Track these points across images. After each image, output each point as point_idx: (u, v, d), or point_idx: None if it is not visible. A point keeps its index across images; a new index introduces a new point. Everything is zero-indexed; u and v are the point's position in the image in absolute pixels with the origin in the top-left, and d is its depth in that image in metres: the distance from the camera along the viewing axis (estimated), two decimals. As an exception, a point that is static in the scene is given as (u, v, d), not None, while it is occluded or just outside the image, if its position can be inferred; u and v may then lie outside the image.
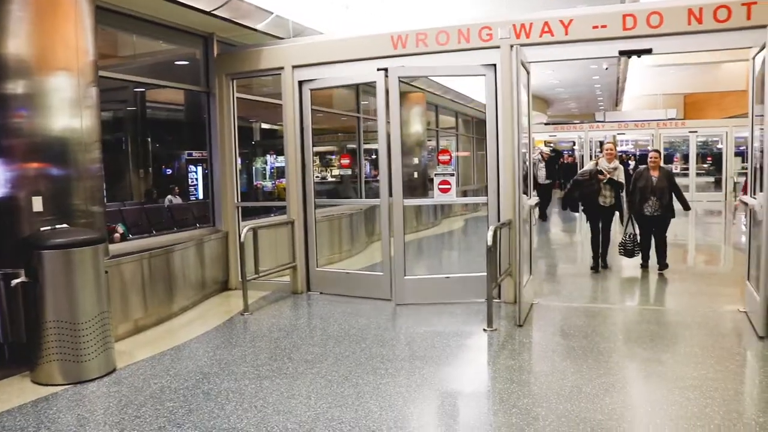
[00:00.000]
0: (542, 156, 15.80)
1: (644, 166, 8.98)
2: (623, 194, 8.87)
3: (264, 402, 4.37)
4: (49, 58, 5.48)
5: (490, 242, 6.02)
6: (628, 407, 4.26)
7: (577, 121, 29.26)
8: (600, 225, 8.91)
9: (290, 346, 5.71)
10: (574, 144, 25.06)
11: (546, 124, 28.69)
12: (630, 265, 9.16)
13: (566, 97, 30.82)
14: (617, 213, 8.94)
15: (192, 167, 15.08)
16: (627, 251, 8.84)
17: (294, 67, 7.67)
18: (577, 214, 9.86)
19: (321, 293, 7.84)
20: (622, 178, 8.74)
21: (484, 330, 6.02)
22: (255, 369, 5.08)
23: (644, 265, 8.98)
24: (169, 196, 13.37)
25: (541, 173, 15.64)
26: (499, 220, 6.84)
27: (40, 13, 5.43)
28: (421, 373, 4.90)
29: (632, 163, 23.26)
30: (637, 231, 8.79)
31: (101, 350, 4.95)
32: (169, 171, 15.56)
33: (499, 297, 7.09)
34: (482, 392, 4.68)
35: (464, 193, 16.80)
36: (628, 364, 5.15)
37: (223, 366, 5.18)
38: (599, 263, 9.00)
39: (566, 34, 6.48)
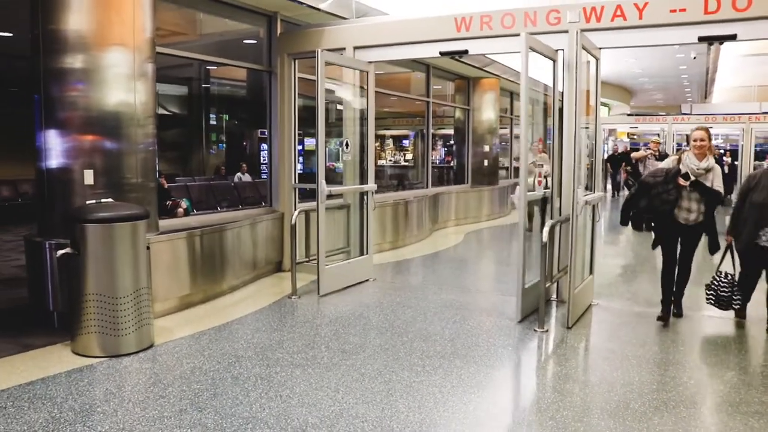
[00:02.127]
0: (653, 150, 13.22)
1: (762, 166, 5.97)
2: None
3: (290, 392, 4.25)
4: (107, 33, 5.53)
5: (545, 239, 5.72)
6: (677, 431, 3.91)
7: (662, 113, 27.95)
8: (678, 253, 6.06)
9: (330, 334, 5.60)
10: (658, 136, 23.98)
11: (628, 115, 27.55)
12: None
13: (651, 88, 29.49)
14: (706, 236, 6.01)
15: (264, 145, 15.19)
16: (721, 300, 5.98)
17: (356, 48, 7.50)
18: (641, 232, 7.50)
19: (374, 280, 7.70)
20: (719, 185, 5.85)
21: (535, 330, 5.73)
22: (289, 356, 4.98)
23: (740, 313, 6.19)
24: (238, 173, 13.52)
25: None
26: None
27: (100, -11, 5.47)
28: (459, 373, 4.67)
29: (727, 160, 21.04)
30: (737, 268, 6.03)
31: (139, 325, 4.96)
32: (241, 148, 15.73)
33: (557, 295, 6.78)
34: (519, 400, 4.44)
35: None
36: (686, 379, 4.65)
37: (259, 350, 5.10)
38: (671, 310, 6.14)
39: (640, 18, 6.02)
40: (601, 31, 6.20)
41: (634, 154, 13.93)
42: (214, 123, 15.59)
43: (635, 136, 30.52)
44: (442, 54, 7.13)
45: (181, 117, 15.32)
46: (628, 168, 14.95)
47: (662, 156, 12.40)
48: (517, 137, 18.80)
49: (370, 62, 7.60)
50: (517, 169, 17.83)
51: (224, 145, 16.08)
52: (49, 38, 5.51)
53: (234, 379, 4.45)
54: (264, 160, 15.37)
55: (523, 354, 5.33)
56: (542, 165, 8.01)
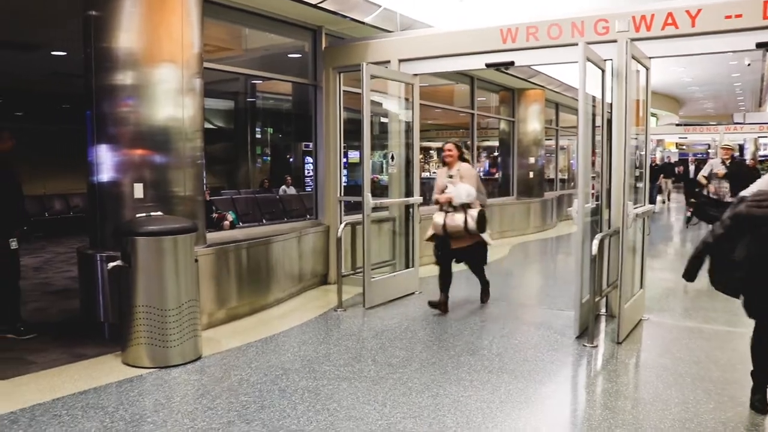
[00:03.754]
0: (724, 158, 11.36)
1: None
2: None
3: (338, 405, 4.24)
4: (156, 50, 5.64)
5: (594, 251, 5.61)
6: (736, 448, 3.76)
7: (713, 123, 27.27)
8: None
9: (376, 347, 5.57)
10: (709, 147, 23.40)
11: (677, 125, 26.97)
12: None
13: (701, 97, 28.81)
14: None
15: (308, 158, 15.33)
16: None
17: (401, 60, 7.52)
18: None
19: (420, 293, 7.66)
20: None
21: (584, 345, 5.61)
22: (336, 369, 4.96)
23: None
24: (283, 186, 13.65)
25: (724, 187, 11.18)
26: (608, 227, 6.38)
27: (150, 8, 5.60)
28: (508, 388, 4.59)
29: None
30: None
31: (187, 337, 5.01)
32: (286, 161, 15.89)
33: (607, 309, 6.63)
34: (570, 416, 4.32)
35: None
36: (744, 400, 4.39)
37: (306, 363, 5.10)
38: (765, 400, 4.19)
39: (693, 25, 5.88)
40: (651, 40, 6.08)
41: (700, 177, 11.86)
42: (259, 136, 15.78)
43: (684, 147, 29.91)
44: (488, 66, 7.09)
45: (226, 131, 15.57)
46: (696, 190, 12.52)
47: (737, 169, 10.83)
48: (563, 149, 18.63)
49: (415, 75, 7.60)
50: (563, 181, 17.64)
51: (269, 158, 16.27)
52: (101, 56, 5.65)
53: (281, 392, 4.45)
54: (308, 172, 15.54)
55: (573, 369, 5.21)
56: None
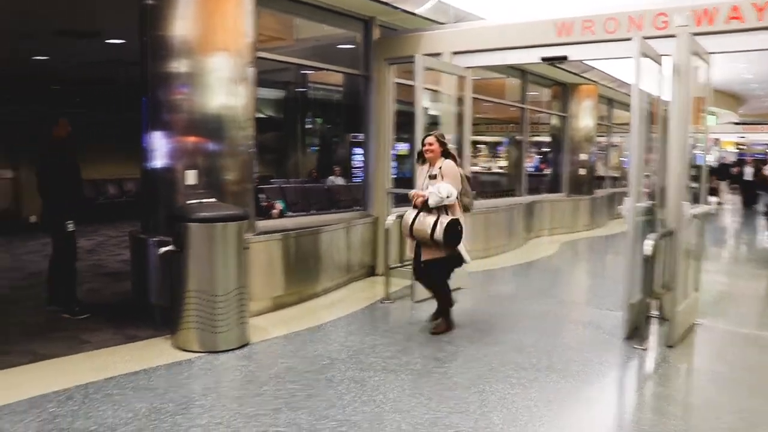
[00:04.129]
0: None
1: None
2: None
3: (384, 397, 4.23)
4: (210, 39, 5.70)
5: (648, 252, 5.47)
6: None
7: (774, 122, 26.34)
8: None
9: (423, 341, 5.55)
10: (769, 147, 22.66)
11: (736, 123, 26.15)
12: None
13: (762, 94, 27.80)
14: None
15: (356, 149, 15.32)
16: None
17: (453, 53, 7.45)
18: None
19: (467, 288, 7.58)
20: None
21: (635, 348, 5.48)
22: (383, 361, 4.96)
23: None
24: (332, 177, 13.68)
25: None
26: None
27: (205, -3, 5.65)
28: (556, 387, 4.52)
29: None
30: None
31: (235, 323, 5.07)
32: (334, 151, 15.91)
33: (660, 312, 6.47)
34: (619, 420, 4.24)
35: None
36: None
37: (352, 353, 5.11)
38: None
39: (760, 19, 5.65)
40: (712, 35, 5.88)
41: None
42: (308, 126, 15.84)
43: (743, 146, 29.00)
44: (544, 60, 6.99)
45: (276, 120, 15.68)
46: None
47: None
48: (615, 146, 18.26)
49: (468, 67, 7.52)
50: (614, 179, 17.29)
51: (316, 148, 16.32)
52: (157, 44, 5.74)
53: (328, 382, 4.47)
54: (356, 163, 15.56)
55: (623, 372, 5.11)
56: None
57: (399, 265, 7.30)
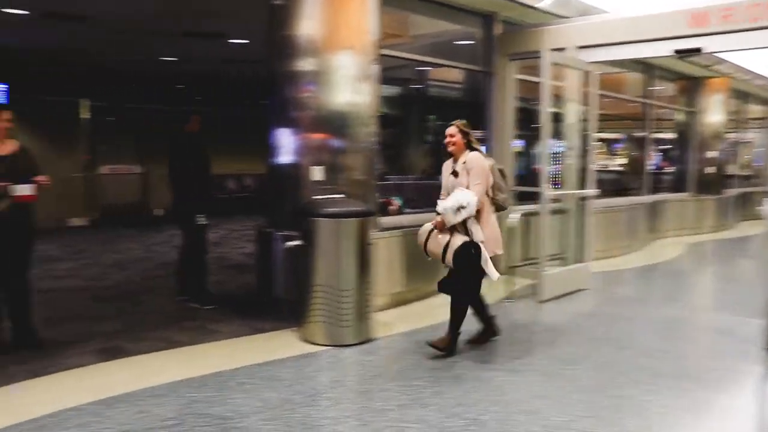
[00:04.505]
0: None
1: None
2: None
3: (511, 398, 4.13)
4: (335, 37, 5.76)
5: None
6: None
7: None
8: None
9: (548, 342, 5.40)
10: None
11: None
12: None
13: None
14: None
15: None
16: None
17: (578, 48, 7.20)
18: None
19: (590, 290, 7.33)
20: None
21: (777, 356, 5.10)
22: (507, 361, 4.85)
23: None
24: (446, 175, 13.61)
25: None
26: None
27: (330, -3, 5.72)
28: (693, 396, 4.26)
29: None
30: None
31: (361, 318, 5.11)
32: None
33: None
34: None
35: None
36: None
37: (478, 353, 5.03)
38: None
39: None
40: None
41: None
42: (424, 123, 15.84)
43: None
44: (677, 53, 6.64)
45: (392, 117, 15.78)
46: None
47: None
48: (747, 143, 17.17)
49: (594, 62, 7.26)
50: (745, 177, 16.26)
51: (430, 145, 16.31)
52: (284, 43, 5.86)
53: (455, 379, 4.42)
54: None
55: (765, 383, 4.75)
56: None
57: (519, 264, 7.14)
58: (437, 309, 6.35)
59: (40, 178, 4.93)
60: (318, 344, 5.06)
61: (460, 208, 4.67)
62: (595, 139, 7.68)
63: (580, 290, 7.22)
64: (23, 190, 4.77)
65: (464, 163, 4.91)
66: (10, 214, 4.74)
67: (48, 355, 4.82)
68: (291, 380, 4.36)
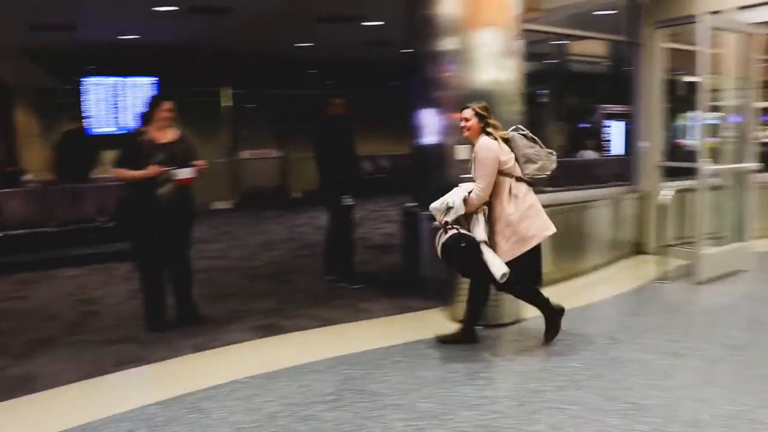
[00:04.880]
0: None
1: None
2: None
3: (675, 383, 3.96)
4: (477, 14, 5.65)
5: None
6: None
7: None
8: None
9: (708, 325, 5.13)
10: None
11: None
12: None
13: None
14: None
15: (608, 122, 14.61)
16: None
17: (739, 8, 6.70)
18: None
19: (751, 271, 6.85)
20: None
21: None
22: (666, 344, 4.65)
23: None
24: (584, 151, 13.22)
25: None
26: None
27: (470, -28, 5.64)
28: None
29: None
30: None
31: (512, 298, 5.03)
32: (583, 125, 15.35)
33: None
34: None
35: None
36: None
37: (631, 335, 4.86)
38: None
39: None
40: None
41: None
42: (560, 100, 15.41)
43: None
44: None
45: (528, 94, 15.48)
46: None
47: None
48: None
49: (755, 24, 6.74)
50: None
51: (565, 121, 15.86)
52: (424, 23, 5.84)
53: (611, 362, 4.29)
54: (608, 137, 14.83)
55: None
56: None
57: (675, 243, 6.79)
58: (584, 290, 6.24)
59: (198, 162, 5.24)
60: (467, 323, 5.08)
61: (448, 208, 4.39)
62: (756, 109, 7.13)
63: (739, 271, 6.77)
64: (183, 174, 5.10)
65: (476, 151, 4.53)
66: (173, 197, 5.07)
67: (209, 330, 5.16)
68: (445, 359, 4.41)
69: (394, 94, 15.53)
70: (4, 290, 6.90)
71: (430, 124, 5.93)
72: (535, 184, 4.62)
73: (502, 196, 4.41)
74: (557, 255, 6.41)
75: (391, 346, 4.68)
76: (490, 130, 4.54)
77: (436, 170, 5.86)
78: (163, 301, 5.30)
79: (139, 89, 12.70)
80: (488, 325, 4.99)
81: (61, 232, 8.16)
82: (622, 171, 8.19)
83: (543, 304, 4.65)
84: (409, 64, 6.30)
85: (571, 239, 6.60)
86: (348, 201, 6.38)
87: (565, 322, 4.92)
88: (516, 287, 4.50)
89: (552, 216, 6.24)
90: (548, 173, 4.58)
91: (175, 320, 5.35)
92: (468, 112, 4.62)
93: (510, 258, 4.37)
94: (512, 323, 5.10)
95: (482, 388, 3.94)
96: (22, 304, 6.33)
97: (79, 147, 9.17)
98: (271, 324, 5.32)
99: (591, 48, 12.71)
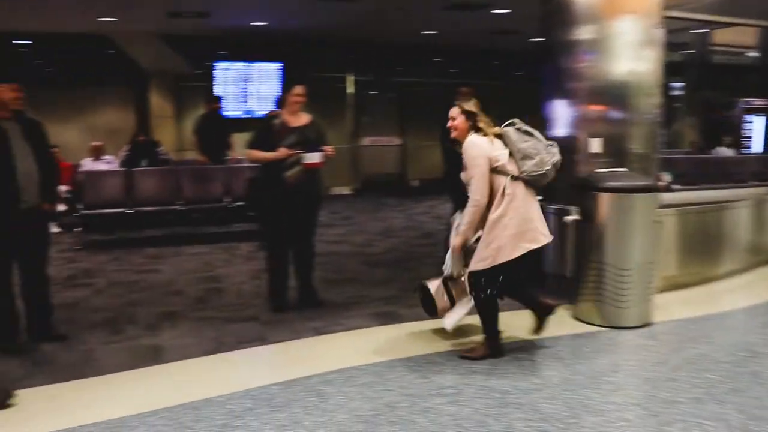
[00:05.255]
0: None
1: None
2: None
3: (828, 404, 3.63)
4: (617, 1, 5.42)
5: None
6: None
7: None
8: None
9: None
10: None
11: None
12: None
13: None
14: None
15: (749, 117, 13.62)
16: None
17: None
18: None
19: None
20: None
21: None
22: (817, 361, 4.27)
23: None
24: (720, 147, 12.45)
25: None
26: None
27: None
28: None
29: None
30: None
31: (640, 300, 4.82)
32: (720, 119, 14.42)
33: None
34: None
35: None
36: None
37: (772, 349, 4.51)
38: None
39: None
40: None
41: None
42: (696, 93, 14.57)
43: None
44: None
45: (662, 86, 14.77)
46: None
47: None
48: None
49: None
50: None
51: (700, 116, 14.99)
52: (560, 11, 5.66)
53: (754, 376, 3.98)
54: (748, 133, 13.84)
55: None
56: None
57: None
58: (720, 296, 5.88)
59: (327, 148, 5.30)
60: (593, 324, 4.88)
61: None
62: None
63: None
64: (312, 158, 5.17)
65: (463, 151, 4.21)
66: (301, 180, 5.15)
67: (329, 314, 5.24)
68: (569, 359, 4.25)
69: (519, 84, 15.34)
70: (137, 263, 7.32)
71: (561, 116, 5.73)
72: (538, 185, 4.19)
73: (494, 196, 4.07)
74: (687, 257, 6.06)
75: (512, 341, 4.56)
76: (481, 125, 4.19)
77: (566, 163, 5.65)
78: (287, 282, 5.42)
79: (266, 74, 13.07)
80: (614, 327, 4.78)
81: (189, 210, 8.56)
82: (763, 170, 7.63)
83: (492, 333, 4.27)
84: (540, 54, 6.12)
85: (704, 241, 6.20)
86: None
87: (698, 330, 4.64)
88: (482, 296, 4.16)
89: (683, 216, 5.94)
90: (549, 168, 4.12)
91: (296, 302, 5.47)
92: (455, 110, 4.28)
93: (486, 267, 4.05)
94: (641, 326, 4.85)
95: (609, 393, 3.76)
96: (152, 277, 6.68)
97: (215, 129, 9.61)
98: (390, 312, 5.33)
99: (733, 37, 11.93)
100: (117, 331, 4.96)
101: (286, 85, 5.31)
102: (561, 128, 5.70)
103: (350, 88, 14.73)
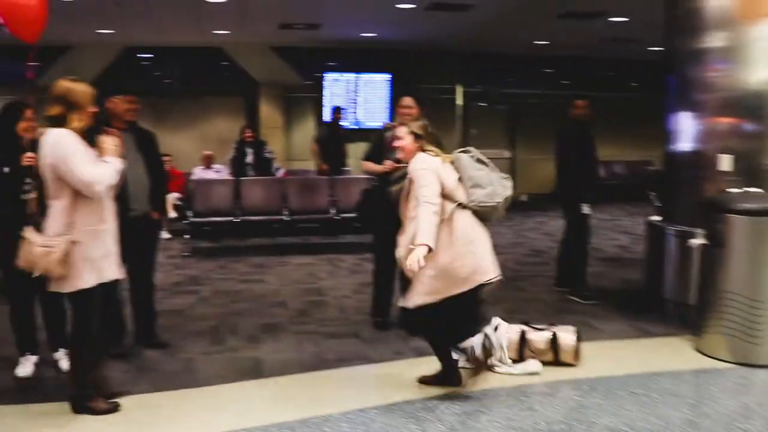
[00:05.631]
0: None
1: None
2: None
3: None
4: (753, 4, 4.97)
5: None
6: None
7: None
8: None
9: None
10: None
11: None
12: None
13: None
14: None
15: None
16: None
17: None
18: None
19: None
20: None
21: None
22: None
23: None
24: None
25: None
26: None
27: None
28: None
29: None
30: None
31: (771, 336, 4.32)
32: None
33: None
34: None
35: None
36: None
37: None
38: None
39: None
40: None
41: None
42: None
43: None
44: None
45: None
46: None
47: None
48: None
49: None
50: None
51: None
52: (688, 17, 5.28)
53: None
54: None
55: None
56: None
57: None
58: None
59: None
60: (719, 359, 4.40)
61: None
62: None
63: None
64: None
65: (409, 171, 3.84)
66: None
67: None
68: (693, 399, 3.86)
69: (634, 95, 14.63)
70: (242, 271, 7.39)
71: (686, 129, 5.30)
72: (486, 218, 3.83)
73: (444, 224, 3.69)
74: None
75: (627, 375, 4.18)
76: (427, 147, 3.87)
77: (691, 181, 5.23)
78: (391, 299, 5.26)
79: (374, 85, 13.06)
80: (744, 364, 4.30)
81: (294, 221, 8.59)
82: None
83: (450, 368, 3.93)
84: (663, 63, 5.73)
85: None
86: (586, 209, 5.94)
87: None
88: (425, 330, 3.89)
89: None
90: (500, 201, 3.77)
91: (397, 321, 5.29)
92: (402, 130, 3.94)
93: (429, 300, 3.69)
94: (776, 365, 4.35)
95: (742, 440, 3.36)
96: (256, 286, 6.71)
97: (336, 139, 9.62)
98: (495, 334, 5.05)
99: None
100: (218, 341, 4.96)
101: (395, 96, 5.19)
102: (685, 142, 5.29)
103: (459, 100, 14.50)
